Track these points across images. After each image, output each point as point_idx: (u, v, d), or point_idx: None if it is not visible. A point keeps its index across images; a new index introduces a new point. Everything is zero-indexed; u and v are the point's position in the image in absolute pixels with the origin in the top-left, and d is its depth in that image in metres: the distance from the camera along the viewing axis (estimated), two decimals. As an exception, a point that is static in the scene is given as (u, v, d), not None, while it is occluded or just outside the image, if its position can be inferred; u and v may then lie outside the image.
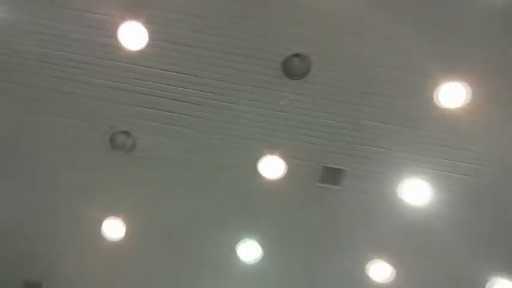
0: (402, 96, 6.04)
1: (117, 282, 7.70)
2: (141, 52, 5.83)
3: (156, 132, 6.40)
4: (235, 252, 7.17)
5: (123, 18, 5.64)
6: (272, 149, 6.35)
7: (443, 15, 5.53)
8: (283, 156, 6.38)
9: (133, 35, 5.67)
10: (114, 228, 6.98)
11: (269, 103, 6.17)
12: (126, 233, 7.01)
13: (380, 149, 6.41)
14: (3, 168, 6.73)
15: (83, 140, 6.46)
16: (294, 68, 5.89)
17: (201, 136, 6.42)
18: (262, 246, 7.10)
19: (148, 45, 5.78)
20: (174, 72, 6.01)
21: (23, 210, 7.06)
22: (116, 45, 5.81)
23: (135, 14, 5.64)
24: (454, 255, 7.10)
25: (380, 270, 7.21)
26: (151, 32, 5.71)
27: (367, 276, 7.31)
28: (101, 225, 6.96)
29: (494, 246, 7.07)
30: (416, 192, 6.55)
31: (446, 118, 6.09)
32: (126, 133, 6.35)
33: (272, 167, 6.40)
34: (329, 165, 6.54)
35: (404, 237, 7.07)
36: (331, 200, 6.82)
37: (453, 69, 5.72)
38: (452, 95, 5.83)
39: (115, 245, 7.11)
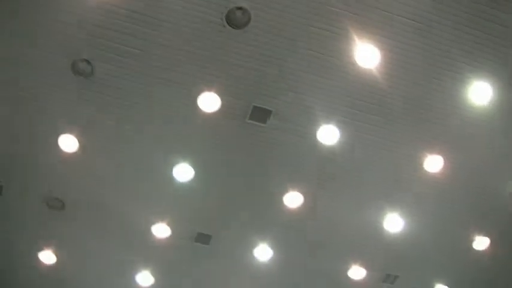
0: (327, 53, 6.70)
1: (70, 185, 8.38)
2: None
3: (113, 64, 6.81)
4: (172, 173, 7.86)
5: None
6: (210, 86, 6.91)
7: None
8: (219, 93, 6.95)
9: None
10: (68, 143, 7.52)
11: (213, 48, 6.66)
12: (79, 147, 7.56)
13: (303, 96, 7.10)
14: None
15: (47, 65, 6.85)
16: (236, 19, 6.36)
17: (150, 71, 6.90)
18: (195, 168, 7.83)
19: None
20: (136, 12, 6.37)
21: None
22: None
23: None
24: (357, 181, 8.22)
25: (294, 198, 8.21)
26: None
27: (283, 204, 8.30)
28: (57, 140, 7.50)
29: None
30: (330, 135, 7.40)
31: (364, 76, 6.88)
32: (86, 61, 6.77)
33: (209, 102, 6.99)
34: (258, 105, 7.18)
35: (317, 171, 8.04)
36: (257, 135, 7.56)
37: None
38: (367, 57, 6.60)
39: (70, 156, 7.72)
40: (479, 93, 6.99)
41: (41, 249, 9.33)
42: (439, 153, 7.67)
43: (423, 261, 9.54)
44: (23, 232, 9.13)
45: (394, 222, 8.55)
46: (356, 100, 7.22)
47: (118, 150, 7.88)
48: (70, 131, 7.49)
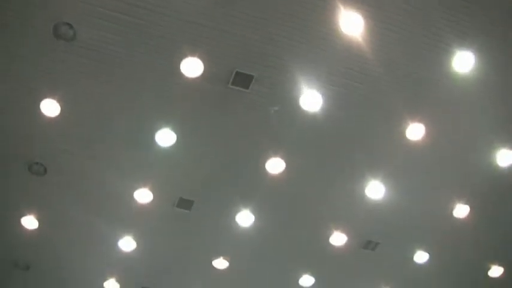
0: (311, 20, 6.70)
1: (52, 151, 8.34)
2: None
3: (96, 28, 6.76)
4: (154, 139, 7.89)
5: None
6: (193, 52, 6.88)
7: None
8: (202, 58, 6.92)
9: None
10: (50, 108, 7.49)
11: (196, 14, 6.61)
12: (61, 112, 7.54)
13: (286, 62, 7.09)
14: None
15: (27, 29, 6.77)
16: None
17: (133, 35, 6.82)
18: (177, 133, 7.84)
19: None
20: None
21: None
22: None
23: None
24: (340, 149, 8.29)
25: (276, 165, 8.27)
26: None
27: (265, 170, 8.38)
28: (39, 105, 7.45)
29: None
30: (312, 102, 7.44)
31: (348, 44, 6.88)
32: (68, 24, 6.69)
33: (191, 67, 6.97)
34: (241, 71, 7.17)
35: (297, 138, 8.05)
36: (240, 101, 7.57)
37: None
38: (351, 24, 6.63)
39: (51, 121, 7.69)
40: (463, 62, 7.02)
41: (23, 214, 9.30)
42: (420, 121, 7.72)
43: (404, 228, 9.66)
44: (5, 198, 9.11)
45: (375, 190, 8.64)
46: (340, 67, 7.22)
47: (100, 116, 7.84)
48: (52, 96, 7.42)
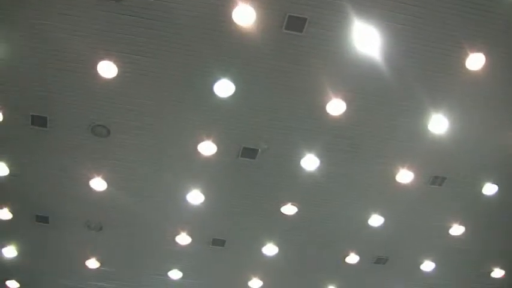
0: None
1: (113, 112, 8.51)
2: None
3: None
4: (212, 89, 7.97)
5: None
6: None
7: None
8: (254, 6, 6.86)
9: None
10: (107, 69, 7.65)
11: None
12: (118, 73, 7.73)
13: (338, 1, 6.94)
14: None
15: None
16: None
17: None
18: (235, 82, 7.91)
19: None
20: None
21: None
22: None
23: None
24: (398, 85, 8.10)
25: (336, 106, 8.24)
26: None
27: (326, 112, 8.36)
28: (96, 67, 7.63)
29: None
30: (368, 39, 7.28)
31: None
32: None
33: (244, 14, 6.92)
34: (294, 14, 7.09)
35: (357, 81, 7.99)
36: (294, 45, 7.48)
37: None
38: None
39: (108, 83, 7.91)
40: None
41: (91, 177, 9.58)
42: (480, 50, 7.51)
43: (470, 162, 9.53)
44: (73, 162, 9.37)
45: (439, 123, 8.50)
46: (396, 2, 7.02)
47: (159, 73, 7.91)
48: (108, 57, 7.56)
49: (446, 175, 9.81)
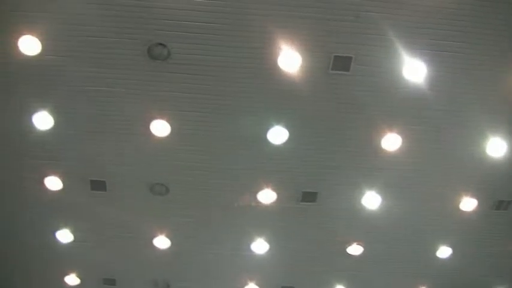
0: None
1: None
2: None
3: (187, 41, 6.96)
4: (266, 137, 8.02)
5: None
6: (289, 44, 6.88)
7: None
8: (298, 50, 6.93)
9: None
10: (160, 128, 7.83)
11: (289, 5, 6.65)
12: (171, 131, 7.87)
13: (381, 36, 6.96)
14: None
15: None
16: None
17: (222, 38, 6.97)
18: (287, 128, 7.93)
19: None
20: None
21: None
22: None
23: None
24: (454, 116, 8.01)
25: (392, 141, 8.13)
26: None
27: (380, 148, 8.22)
28: (149, 126, 7.78)
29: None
30: (416, 71, 7.24)
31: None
32: (161, 44, 6.93)
33: (289, 60, 6.99)
34: (338, 54, 7.12)
35: (410, 112, 7.91)
36: (343, 83, 7.50)
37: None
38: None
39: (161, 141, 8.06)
40: None
41: (155, 235, 9.73)
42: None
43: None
44: (137, 222, 9.49)
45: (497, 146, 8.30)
46: (438, 30, 6.99)
47: (211, 127, 8.06)
48: (161, 116, 7.74)
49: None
